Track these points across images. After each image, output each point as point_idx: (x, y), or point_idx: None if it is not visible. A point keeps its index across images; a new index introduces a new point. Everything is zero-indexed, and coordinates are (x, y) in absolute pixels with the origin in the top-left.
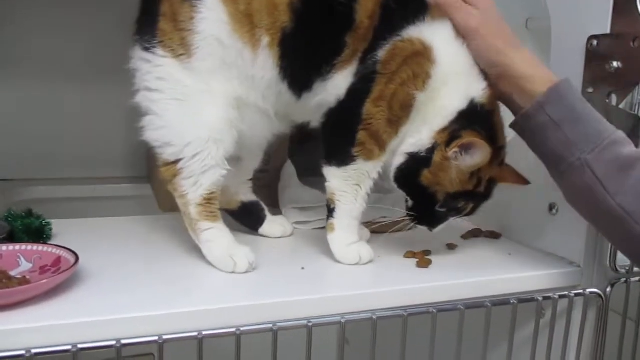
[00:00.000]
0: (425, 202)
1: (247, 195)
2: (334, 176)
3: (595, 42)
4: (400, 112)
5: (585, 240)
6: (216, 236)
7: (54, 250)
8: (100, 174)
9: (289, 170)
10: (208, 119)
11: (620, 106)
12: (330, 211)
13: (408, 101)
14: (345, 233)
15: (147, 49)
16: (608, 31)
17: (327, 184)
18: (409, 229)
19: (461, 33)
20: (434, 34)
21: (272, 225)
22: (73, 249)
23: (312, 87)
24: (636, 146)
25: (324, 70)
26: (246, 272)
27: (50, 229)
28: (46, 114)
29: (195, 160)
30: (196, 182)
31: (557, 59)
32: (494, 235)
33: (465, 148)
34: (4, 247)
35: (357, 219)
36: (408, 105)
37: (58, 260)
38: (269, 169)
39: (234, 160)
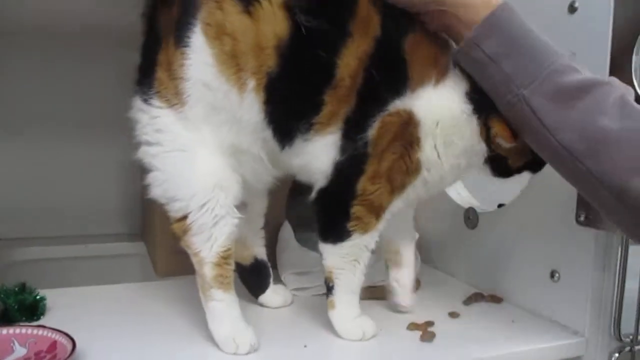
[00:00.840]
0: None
1: (260, 250)
2: (330, 254)
3: None
4: (407, 178)
5: (589, 308)
6: (225, 312)
7: (50, 334)
8: (93, 232)
9: (287, 232)
10: (210, 166)
11: None
12: (329, 289)
13: (415, 166)
14: (347, 309)
15: (145, 100)
16: None
17: (323, 262)
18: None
19: None
20: (418, 103)
21: (273, 295)
22: (69, 331)
23: (293, 142)
24: None
25: (303, 127)
26: (247, 353)
27: (45, 305)
28: (37, 172)
29: (204, 211)
30: (209, 237)
31: None
32: (495, 300)
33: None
34: None
35: (357, 293)
36: (416, 169)
37: (54, 345)
38: (267, 231)
39: (240, 207)
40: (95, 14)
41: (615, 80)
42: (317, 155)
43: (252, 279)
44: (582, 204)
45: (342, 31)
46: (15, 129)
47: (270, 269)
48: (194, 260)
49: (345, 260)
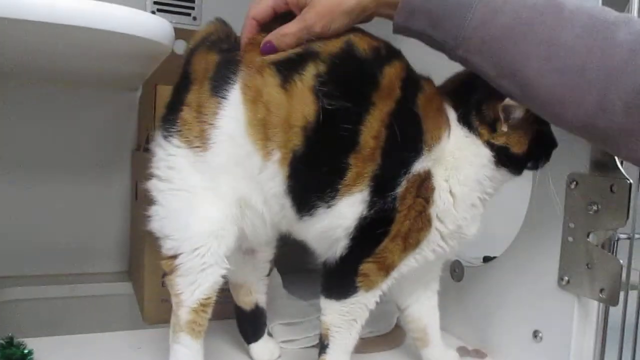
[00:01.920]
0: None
1: (262, 297)
2: (331, 310)
3: (575, 182)
4: (421, 234)
5: None
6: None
7: None
8: (81, 270)
9: (276, 280)
10: (210, 213)
11: (600, 247)
12: (323, 346)
13: (428, 218)
14: None
15: (165, 137)
16: (587, 172)
17: (322, 317)
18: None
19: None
20: (433, 162)
21: (263, 348)
22: None
23: (314, 212)
24: None
25: (327, 197)
26: None
27: (32, 359)
28: (25, 211)
29: (194, 256)
30: (193, 282)
31: (538, 190)
32: (479, 355)
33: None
34: None
35: (349, 353)
36: (428, 222)
37: None
38: None
39: (249, 252)
40: (92, 65)
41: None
42: (342, 213)
43: (249, 324)
44: (566, 269)
45: (365, 104)
46: (4, 169)
47: (266, 318)
48: (173, 299)
49: (345, 319)
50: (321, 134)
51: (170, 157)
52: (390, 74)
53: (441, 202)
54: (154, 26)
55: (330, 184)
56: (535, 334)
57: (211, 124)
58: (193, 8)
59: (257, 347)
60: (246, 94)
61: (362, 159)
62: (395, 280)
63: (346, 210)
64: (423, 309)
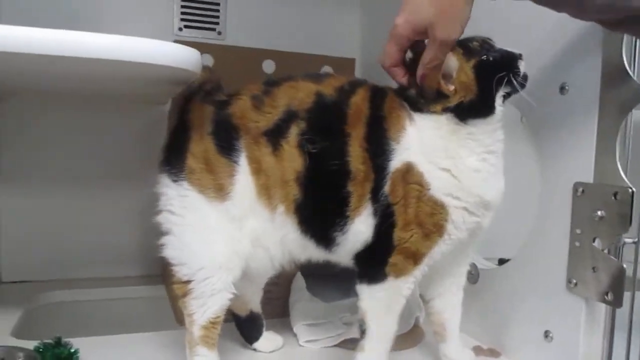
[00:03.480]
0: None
1: (256, 305)
2: (365, 293)
3: (581, 189)
4: (435, 218)
5: None
6: None
7: None
8: (115, 274)
9: (299, 283)
10: (223, 249)
11: (605, 252)
12: (362, 332)
13: (433, 203)
14: (375, 356)
15: (174, 180)
16: (592, 180)
17: (359, 303)
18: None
19: None
20: (407, 152)
21: (265, 341)
22: None
23: (337, 241)
24: None
25: (341, 224)
26: None
27: (78, 357)
28: (64, 219)
29: (205, 283)
30: (204, 304)
31: (546, 198)
32: (494, 354)
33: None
34: None
35: (388, 343)
36: (435, 205)
37: None
38: (280, 282)
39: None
40: (123, 88)
41: None
42: (360, 232)
43: (247, 328)
44: (573, 272)
45: (342, 137)
46: (45, 179)
47: (263, 320)
48: (186, 318)
49: (379, 305)
50: (316, 176)
51: (184, 198)
52: (357, 101)
53: (438, 181)
54: (183, 55)
55: (340, 215)
56: (546, 334)
57: (228, 184)
58: (218, 23)
59: (259, 344)
60: (252, 166)
61: (359, 182)
62: (429, 268)
63: (361, 228)
64: (446, 304)
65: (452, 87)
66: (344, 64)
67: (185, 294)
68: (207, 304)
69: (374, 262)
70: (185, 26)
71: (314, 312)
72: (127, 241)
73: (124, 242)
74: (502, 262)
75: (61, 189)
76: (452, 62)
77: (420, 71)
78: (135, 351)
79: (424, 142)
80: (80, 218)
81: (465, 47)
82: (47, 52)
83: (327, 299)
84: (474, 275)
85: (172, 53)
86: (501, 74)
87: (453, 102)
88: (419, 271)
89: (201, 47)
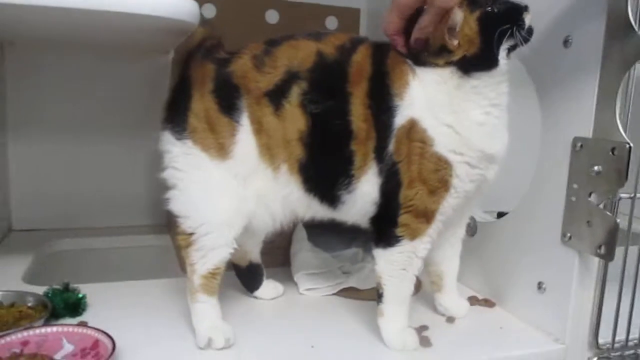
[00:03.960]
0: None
1: (256, 256)
2: (381, 258)
3: (579, 144)
4: (439, 174)
5: (570, 318)
6: (206, 312)
7: (93, 332)
8: (122, 223)
9: (300, 234)
10: (225, 205)
11: (600, 206)
12: (379, 295)
13: (436, 160)
14: (394, 320)
15: (178, 138)
16: (591, 135)
17: (375, 267)
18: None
19: None
20: (411, 108)
21: (266, 289)
22: (108, 328)
23: (342, 200)
24: None
25: (344, 185)
26: (222, 348)
27: (85, 302)
28: (69, 168)
29: (207, 237)
30: (205, 256)
31: (545, 152)
32: (488, 304)
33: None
34: (49, 330)
35: (406, 303)
36: (439, 160)
37: (96, 343)
38: (282, 232)
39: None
40: (124, 38)
41: None
42: (367, 192)
43: (247, 277)
44: (568, 226)
45: (344, 96)
46: (50, 129)
47: (263, 269)
48: (188, 267)
49: (394, 268)
50: (319, 136)
51: (188, 156)
52: (358, 60)
53: (441, 137)
54: (181, 7)
55: (344, 174)
56: (540, 285)
57: (229, 143)
58: None
59: (260, 292)
60: (254, 125)
61: (362, 141)
62: (442, 224)
63: (367, 188)
64: (444, 255)
65: (455, 42)
66: (349, 14)
67: (188, 245)
68: (207, 255)
69: (384, 224)
70: None
71: (314, 262)
72: (134, 191)
73: (131, 192)
74: (500, 215)
75: (69, 138)
76: (458, 15)
77: (415, 35)
78: (141, 297)
79: (427, 97)
80: (88, 167)
81: None
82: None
83: (328, 249)
84: (472, 228)
85: (167, 3)
86: (505, 27)
87: (457, 56)
88: (433, 230)
89: None
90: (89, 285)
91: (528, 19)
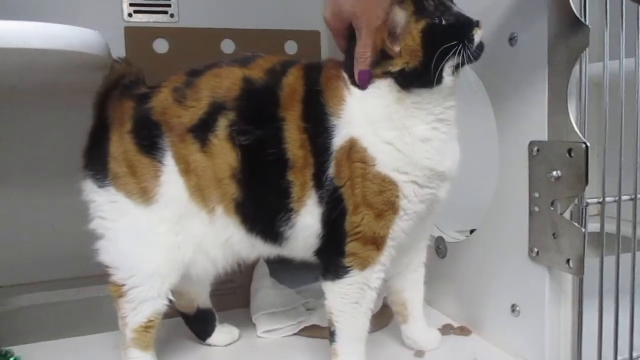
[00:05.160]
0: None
1: (204, 301)
2: (331, 291)
3: (536, 149)
4: (384, 195)
5: (548, 343)
6: None
7: None
8: (87, 273)
9: (261, 270)
10: (157, 256)
11: (566, 216)
12: (331, 334)
13: (381, 179)
14: (351, 359)
15: (100, 186)
16: (546, 138)
17: (325, 302)
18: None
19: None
20: (349, 127)
21: (219, 335)
22: None
23: (285, 236)
24: None
25: (285, 219)
26: None
27: None
28: (28, 219)
29: (137, 290)
30: (136, 308)
31: (504, 161)
32: (464, 332)
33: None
34: None
35: (361, 341)
36: (383, 180)
37: None
38: (242, 270)
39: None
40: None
41: None
42: (308, 225)
43: (196, 325)
44: (534, 240)
45: (276, 122)
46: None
47: (215, 314)
48: (119, 320)
49: (346, 301)
50: (253, 169)
51: (112, 204)
52: (290, 82)
53: (383, 155)
54: (73, 37)
55: (283, 208)
56: (513, 308)
57: (153, 186)
58: (170, 5)
59: (213, 338)
60: (180, 165)
61: (299, 170)
62: (395, 250)
63: (308, 220)
64: (405, 282)
65: (397, 49)
66: (309, 37)
67: (119, 296)
68: (138, 308)
69: (331, 255)
70: (135, 11)
71: (275, 300)
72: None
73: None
74: (473, 232)
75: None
76: (398, 15)
77: (357, 68)
78: (83, 354)
79: (366, 113)
80: (39, 218)
81: (418, 3)
82: None
83: (293, 284)
84: (442, 250)
85: (58, 35)
86: (450, 44)
87: (395, 67)
88: (385, 257)
89: (153, 32)
90: (26, 346)
91: (478, 35)
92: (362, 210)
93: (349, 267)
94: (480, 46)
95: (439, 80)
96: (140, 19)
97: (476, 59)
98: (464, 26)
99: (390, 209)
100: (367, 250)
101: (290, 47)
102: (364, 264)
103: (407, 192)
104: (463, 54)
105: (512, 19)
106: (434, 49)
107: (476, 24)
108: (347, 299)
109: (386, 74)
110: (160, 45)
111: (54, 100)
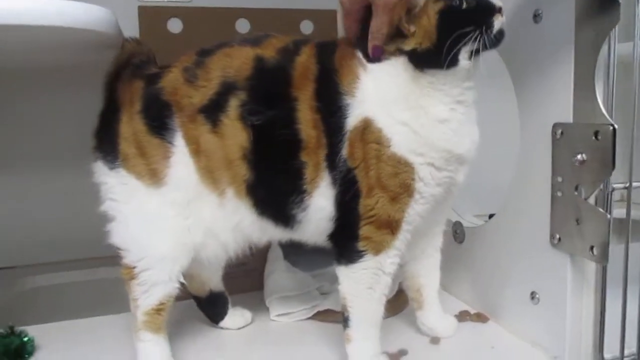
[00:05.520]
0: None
1: (216, 284)
2: (344, 276)
3: (560, 131)
4: (399, 178)
5: (568, 332)
6: (150, 353)
7: None
8: (100, 254)
9: (275, 253)
10: (167, 239)
11: (590, 201)
12: (345, 319)
13: (395, 162)
14: (364, 345)
15: (110, 168)
16: (571, 120)
17: (339, 287)
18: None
19: None
20: (364, 106)
21: (232, 318)
22: None
23: (297, 219)
24: None
25: (297, 201)
26: None
27: (32, 346)
28: (44, 200)
29: (148, 272)
30: (147, 291)
31: (526, 144)
32: (481, 319)
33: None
34: None
35: (376, 327)
36: (398, 162)
37: None
38: (255, 252)
39: None
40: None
41: None
42: (321, 207)
43: (208, 308)
44: (556, 226)
45: (289, 103)
46: (23, 161)
47: (227, 297)
48: (131, 302)
49: (360, 287)
50: (265, 150)
51: (123, 185)
52: (302, 61)
53: (398, 136)
54: (89, 16)
55: (296, 190)
56: (533, 295)
57: (162, 167)
58: None
59: (225, 322)
60: (190, 146)
61: (313, 150)
62: (411, 235)
63: (322, 202)
64: (421, 268)
65: (412, 29)
66: (325, 17)
67: (130, 279)
68: (150, 291)
69: (345, 239)
70: None
71: (289, 283)
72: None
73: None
74: (492, 217)
75: (38, 171)
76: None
77: (370, 43)
78: (96, 335)
79: (381, 92)
80: (41, 200)
81: None
82: None
83: (308, 268)
84: (459, 235)
85: (65, 12)
86: (467, 29)
87: (408, 46)
88: (400, 241)
89: (167, 11)
90: (40, 326)
91: (499, 22)
92: (377, 192)
93: (363, 251)
94: (501, 33)
95: (455, 63)
96: None
97: (495, 46)
98: (484, 11)
99: (405, 191)
100: (382, 235)
101: (306, 27)
102: (379, 249)
103: (424, 174)
104: (481, 41)
105: None
106: (449, 33)
107: (498, 10)
108: (361, 284)
109: (400, 52)
110: (175, 25)
111: (67, 80)
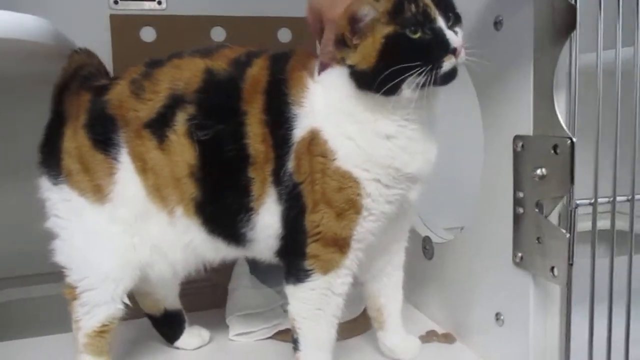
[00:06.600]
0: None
1: (172, 302)
2: (292, 296)
3: (521, 144)
4: (345, 193)
5: (532, 355)
6: None
7: None
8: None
9: (240, 268)
10: (111, 259)
11: (553, 218)
12: (294, 341)
13: (339, 177)
14: None
15: (54, 183)
16: (531, 132)
17: (288, 307)
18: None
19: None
20: (311, 117)
21: (188, 338)
22: None
23: (247, 238)
24: None
25: (245, 218)
26: None
27: None
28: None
29: (90, 293)
30: (89, 312)
31: (489, 157)
32: (449, 339)
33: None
34: None
35: (327, 350)
36: (342, 176)
37: None
38: (220, 267)
39: None
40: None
41: None
42: (268, 224)
43: (163, 328)
44: (518, 244)
45: (237, 116)
46: None
47: (184, 315)
48: (73, 323)
49: (308, 307)
50: (212, 168)
51: (67, 202)
52: (254, 73)
53: (343, 150)
54: (15, 25)
55: (242, 208)
56: (497, 316)
57: (107, 184)
58: None
59: (181, 342)
60: (136, 163)
61: (260, 166)
62: (364, 254)
63: (268, 219)
64: (381, 287)
65: (356, 41)
66: (303, 25)
67: (73, 298)
68: (92, 312)
69: (292, 257)
70: None
71: (252, 301)
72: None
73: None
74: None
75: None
76: (364, 10)
77: (319, 58)
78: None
79: (329, 103)
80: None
81: (397, 4)
82: None
83: (274, 283)
84: (429, 250)
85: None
86: (411, 64)
87: (349, 60)
88: (351, 260)
89: (140, 19)
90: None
91: (449, 64)
92: (322, 208)
93: (311, 270)
94: (449, 75)
95: (396, 92)
96: (127, 6)
97: (442, 84)
98: (436, 49)
99: (351, 207)
100: (329, 253)
101: (284, 35)
102: (327, 268)
103: (371, 190)
104: (427, 77)
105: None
106: (390, 62)
107: (452, 51)
108: (309, 304)
109: (344, 63)
110: (148, 34)
111: (15, 93)
